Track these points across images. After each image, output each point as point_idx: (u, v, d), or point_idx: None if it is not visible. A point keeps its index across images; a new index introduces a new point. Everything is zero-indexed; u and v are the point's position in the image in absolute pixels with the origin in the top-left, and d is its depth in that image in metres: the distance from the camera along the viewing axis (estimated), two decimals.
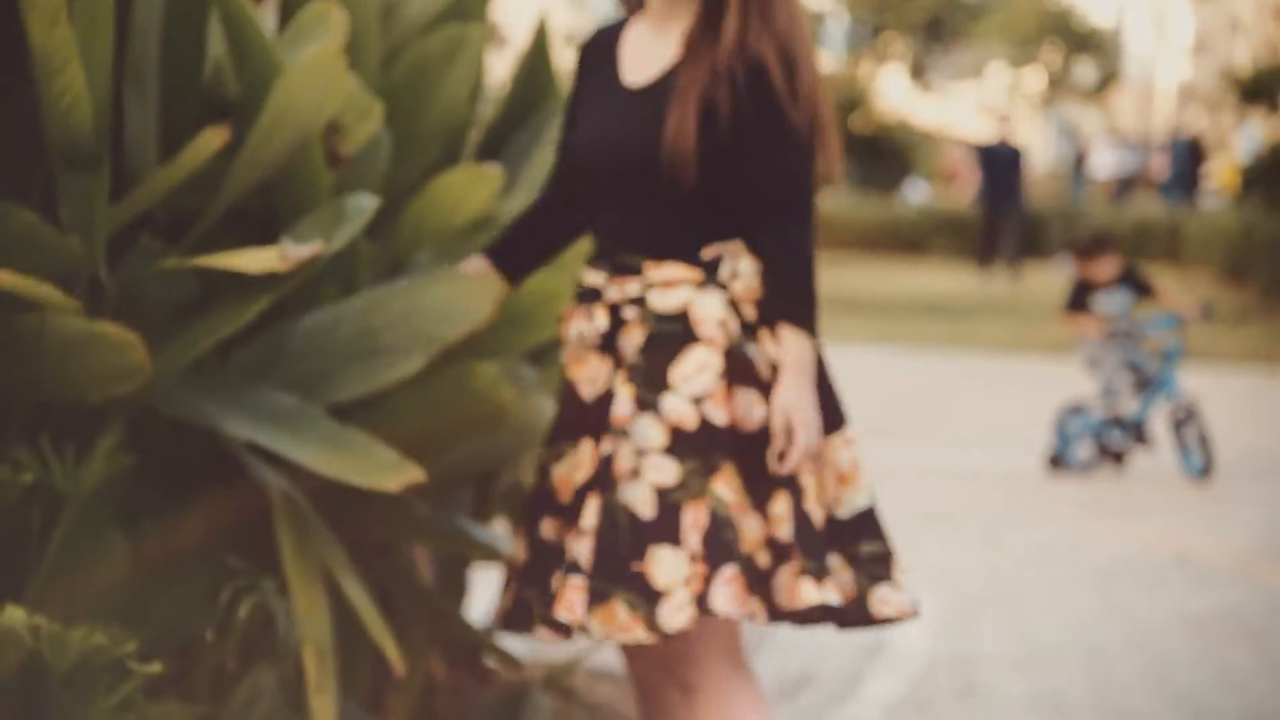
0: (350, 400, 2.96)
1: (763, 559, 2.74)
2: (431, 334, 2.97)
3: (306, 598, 2.81)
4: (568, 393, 2.91)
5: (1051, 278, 17.02)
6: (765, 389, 2.78)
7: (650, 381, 2.76)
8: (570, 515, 2.84)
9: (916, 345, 14.94)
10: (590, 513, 2.76)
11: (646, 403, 2.75)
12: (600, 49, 2.95)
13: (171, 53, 2.93)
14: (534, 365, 3.51)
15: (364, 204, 2.82)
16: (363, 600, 2.91)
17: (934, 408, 11.63)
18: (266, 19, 3.33)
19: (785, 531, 2.73)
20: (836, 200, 23.45)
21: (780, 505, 2.74)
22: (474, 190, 3.39)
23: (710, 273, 2.80)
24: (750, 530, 2.73)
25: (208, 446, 2.88)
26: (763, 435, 2.76)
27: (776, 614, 2.74)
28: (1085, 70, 34.68)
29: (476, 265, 3.03)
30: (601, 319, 2.83)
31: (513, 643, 3.63)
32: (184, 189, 2.88)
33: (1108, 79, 34.98)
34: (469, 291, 3.00)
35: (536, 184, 3.52)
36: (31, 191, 2.68)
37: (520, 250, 3.04)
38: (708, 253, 2.80)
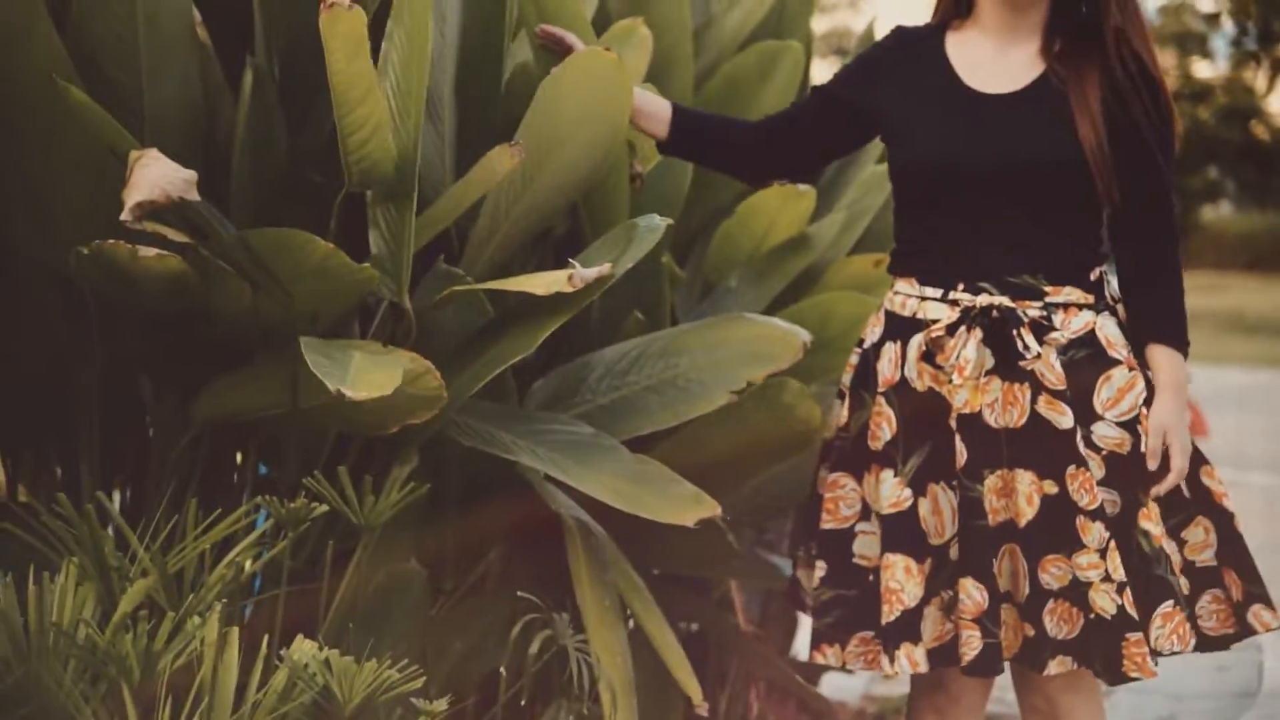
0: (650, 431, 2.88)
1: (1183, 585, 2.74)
2: (734, 374, 2.89)
3: (603, 633, 2.72)
4: (932, 413, 2.73)
5: None
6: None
7: (1080, 412, 2.68)
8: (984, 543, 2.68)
9: None
10: (1093, 543, 2.65)
11: (1085, 434, 2.69)
12: (911, 52, 2.84)
13: (467, 73, 2.90)
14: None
15: (655, 224, 2.72)
16: (664, 636, 2.81)
17: None
18: None
19: (1208, 556, 2.74)
20: (1220, 214, 22.48)
21: (1199, 532, 2.75)
22: (786, 211, 3.28)
23: (1099, 295, 2.75)
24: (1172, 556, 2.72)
25: (503, 477, 2.83)
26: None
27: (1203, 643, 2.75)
28: None
29: (655, 103, 2.92)
30: (1006, 342, 2.69)
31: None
32: (480, 214, 2.85)
33: None
34: (775, 336, 2.93)
35: (849, 205, 3.39)
36: (329, 222, 2.67)
37: (704, 138, 2.94)
38: (1094, 274, 2.75)
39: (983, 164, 2.70)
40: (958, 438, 2.69)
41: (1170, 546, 2.72)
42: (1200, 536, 2.75)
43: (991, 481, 2.69)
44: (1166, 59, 26.58)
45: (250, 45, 2.71)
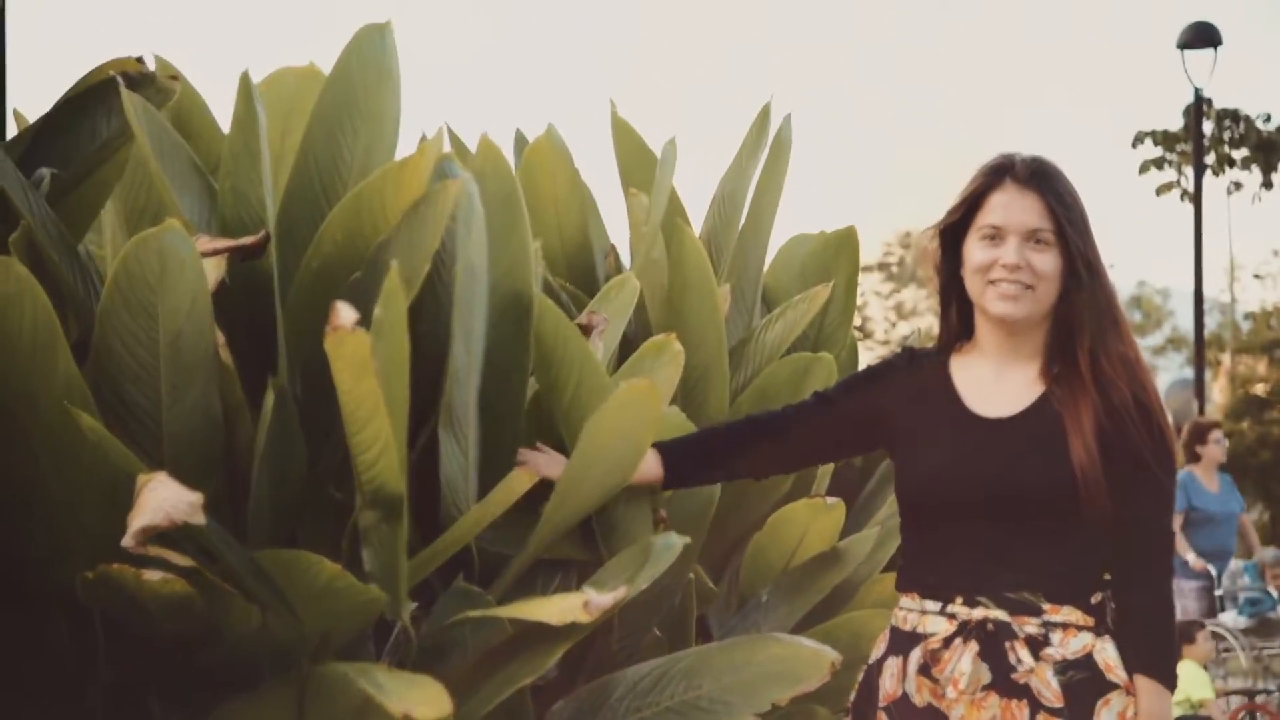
0: None
1: None
2: (760, 695, 2.84)
3: None
4: None
5: None
6: None
7: None
8: None
9: None
10: None
11: None
12: (918, 373, 2.88)
13: (491, 396, 2.93)
14: None
15: (672, 542, 2.71)
16: None
17: None
18: (599, 348, 3.29)
19: None
20: None
21: None
22: (816, 524, 3.25)
23: (1100, 618, 2.73)
24: None
25: None
26: None
27: None
28: None
29: (648, 462, 2.92)
30: (1000, 656, 2.68)
31: None
32: (498, 534, 2.84)
33: None
34: (803, 656, 2.90)
35: (883, 521, 3.35)
36: (340, 543, 2.67)
37: (701, 461, 2.97)
38: (1095, 598, 2.73)
39: (979, 488, 2.71)
40: None
41: None
42: None
43: None
44: (1258, 366, 26.39)
45: (273, 365, 2.75)
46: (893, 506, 3.50)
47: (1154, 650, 2.70)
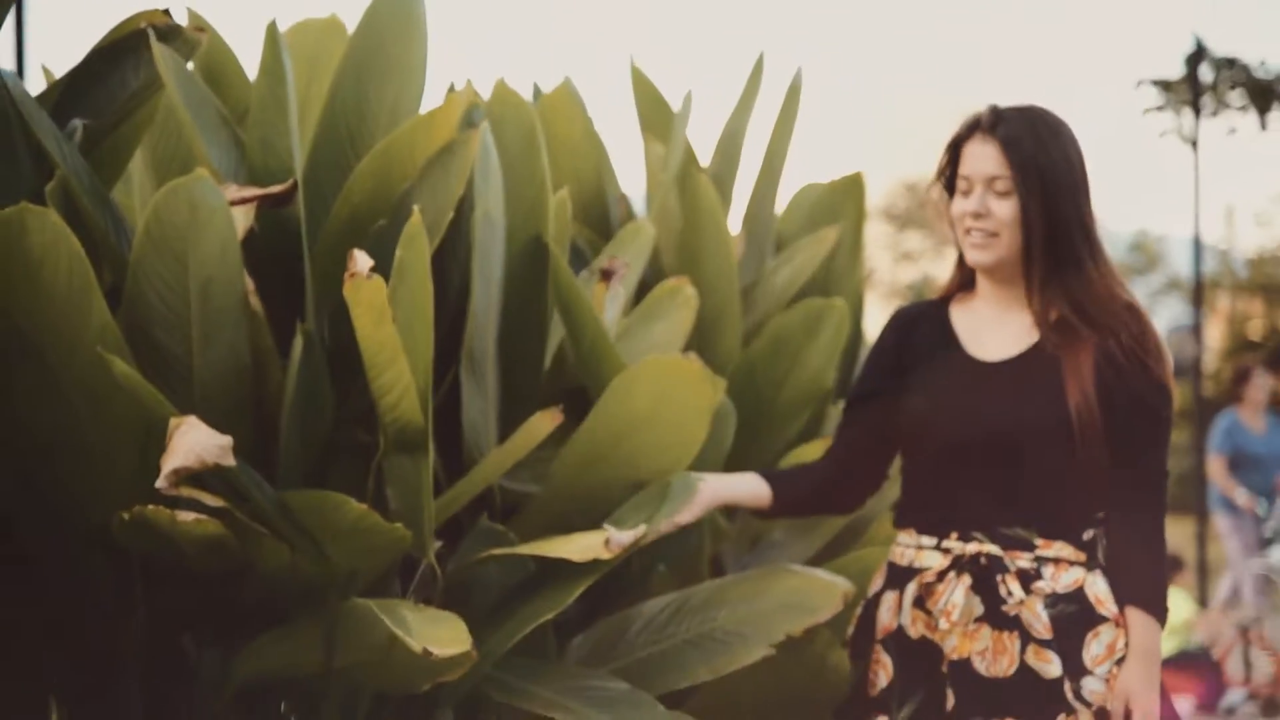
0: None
1: None
2: (775, 626, 2.92)
3: None
4: (925, 660, 2.80)
5: None
6: None
7: (1069, 665, 2.73)
8: None
9: None
10: None
11: (1074, 688, 2.73)
12: (915, 327, 2.94)
13: (510, 340, 2.99)
14: None
15: (690, 482, 2.78)
16: None
17: None
18: (620, 295, 3.35)
19: None
20: None
21: None
22: None
23: (1092, 554, 2.79)
24: None
25: None
26: None
27: None
28: None
29: (755, 486, 2.95)
30: (991, 589, 2.77)
31: None
32: (521, 472, 2.91)
33: None
34: (816, 587, 2.98)
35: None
36: (367, 483, 2.75)
37: (799, 496, 2.98)
38: (1087, 534, 2.79)
39: (977, 427, 2.78)
40: (948, 685, 2.74)
41: None
42: None
43: None
44: (1254, 308, 26.41)
45: (301, 312, 2.82)
46: None
47: (1146, 584, 2.76)
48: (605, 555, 2.66)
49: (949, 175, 2.85)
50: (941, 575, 2.79)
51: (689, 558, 3.16)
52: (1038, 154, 2.75)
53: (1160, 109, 21.23)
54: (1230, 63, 21.37)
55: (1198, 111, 17.59)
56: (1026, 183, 2.75)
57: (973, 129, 2.81)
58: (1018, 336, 2.85)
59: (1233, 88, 21.03)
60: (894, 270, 32.19)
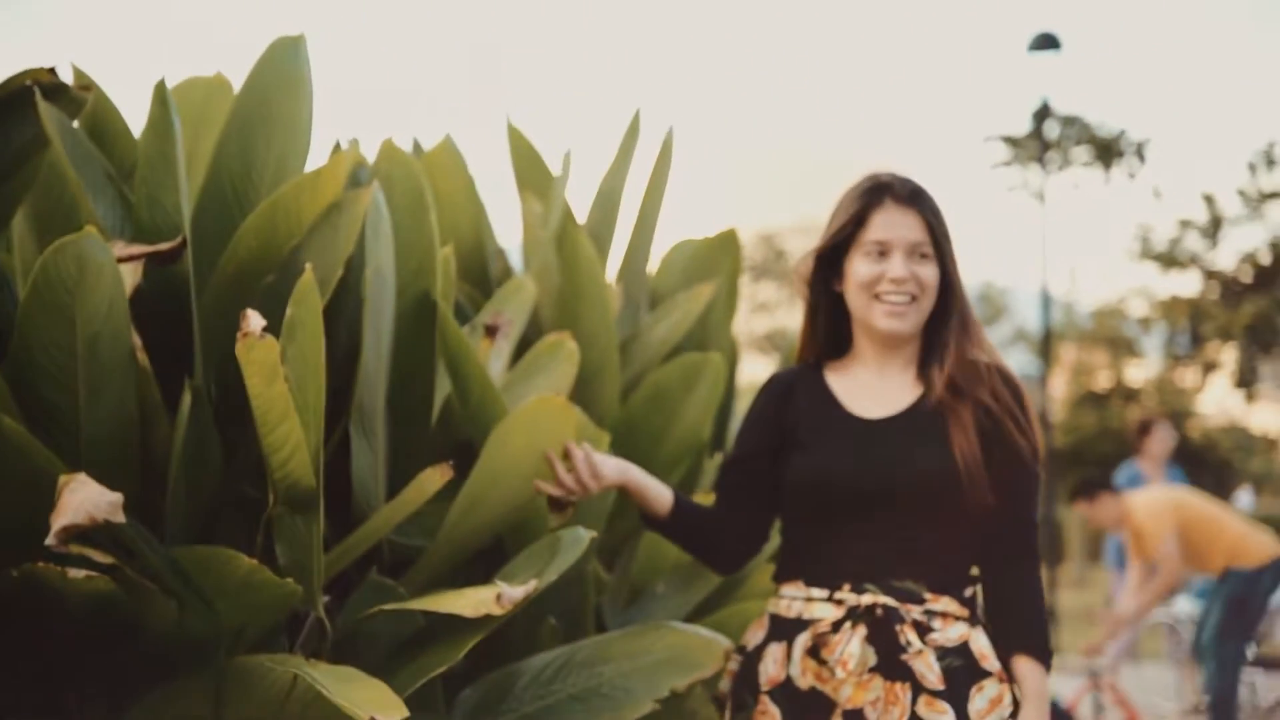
0: None
1: None
2: (659, 682, 2.97)
3: None
4: (816, 712, 2.85)
5: None
6: None
7: (960, 717, 2.80)
8: None
9: None
10: None
11: None
12: (792, 388, 3.03)
13: (399, 396, 3.01)
14: None
15: (580, 536, 2.81)
16: None
17: None
18: (504, 350, 3.39)
19: None
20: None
21: None
22: None
23: (972, 610, 2.90)
24: None
25: None
26: None
27: None
28: None
29: (662, 490, 3.04)
30: (889, 639, 2.83)
31: None
32: (410, 527, 2.93)
33: None
34: (698, 645, 3.04)
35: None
36: (255, 538, 2.75)
37: (695, 522, 3.06)
38: (968, 591, 2.89)
39: (866, 479, 2.86)
40: None
41: None
42: None
43: None
44: (1099, 359, 27.16)
45: (189, 367, 2.82)
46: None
47: (1032, 632, 2.86)
48: (497, 611, 2.68)
49: (840, 244, 2.94)
50: (836, 626, 2.85)
51: (573, 610, 3.19)
52: (944, 223, 2.93)
53: (1008, 164, 21.87)
54: (1074, 120, 22.10)
55: (1044, 166, 18.13)
56: (943, 250, 2.91)
57: (879, 196, 2.92)
58: (899, 395, 2.95)
59: (1077, 144, 21.71)
60: (749, 320, 32.53)
